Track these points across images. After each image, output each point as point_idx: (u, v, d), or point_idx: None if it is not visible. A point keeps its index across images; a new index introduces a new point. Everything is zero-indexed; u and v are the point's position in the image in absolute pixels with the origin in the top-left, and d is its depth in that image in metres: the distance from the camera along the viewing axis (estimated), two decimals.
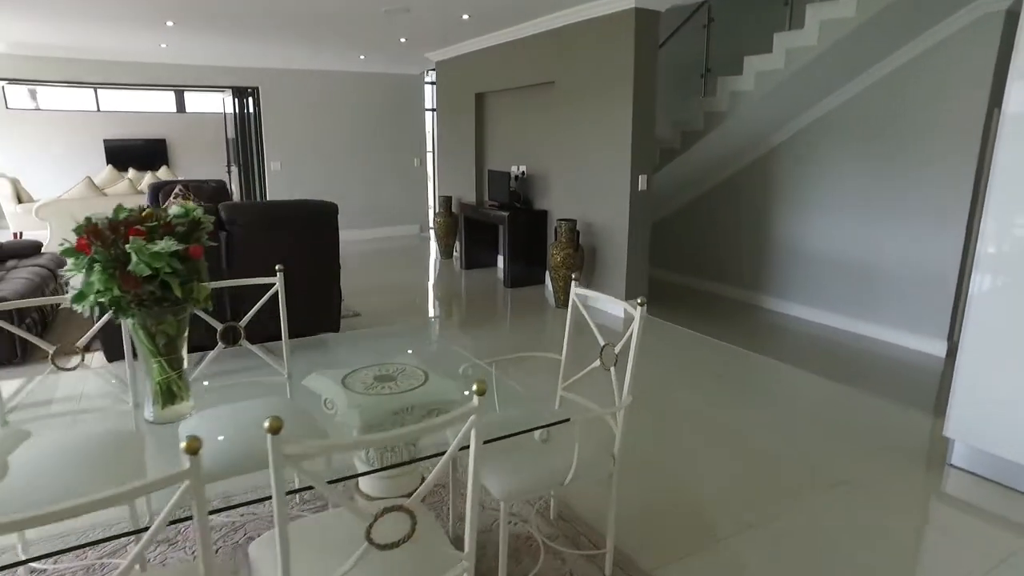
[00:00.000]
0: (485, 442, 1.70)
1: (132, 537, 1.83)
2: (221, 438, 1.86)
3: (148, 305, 1.38)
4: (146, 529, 1.28)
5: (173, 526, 2.21)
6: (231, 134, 8.60)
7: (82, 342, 2.01)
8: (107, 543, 2.10)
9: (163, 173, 9.87)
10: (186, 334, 1.55)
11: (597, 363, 2.02)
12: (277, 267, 2.28)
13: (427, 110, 9.19)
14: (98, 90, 9.83)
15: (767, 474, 2.72)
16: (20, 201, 8.52)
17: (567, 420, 1.67)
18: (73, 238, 1.39)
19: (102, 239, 1.29)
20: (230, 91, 8.17)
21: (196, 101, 10.59)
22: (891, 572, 2.11)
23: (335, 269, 4.07)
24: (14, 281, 4.08)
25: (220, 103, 9.12)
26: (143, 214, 1.45)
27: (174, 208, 1.43)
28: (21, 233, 8.37)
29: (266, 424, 1.01)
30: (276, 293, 2.28)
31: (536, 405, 2.11)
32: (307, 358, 2.64)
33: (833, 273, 4.87)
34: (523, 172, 6.29)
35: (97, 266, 1.30)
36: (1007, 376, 2.53)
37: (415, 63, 8.10)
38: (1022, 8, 2.44)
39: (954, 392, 2.72)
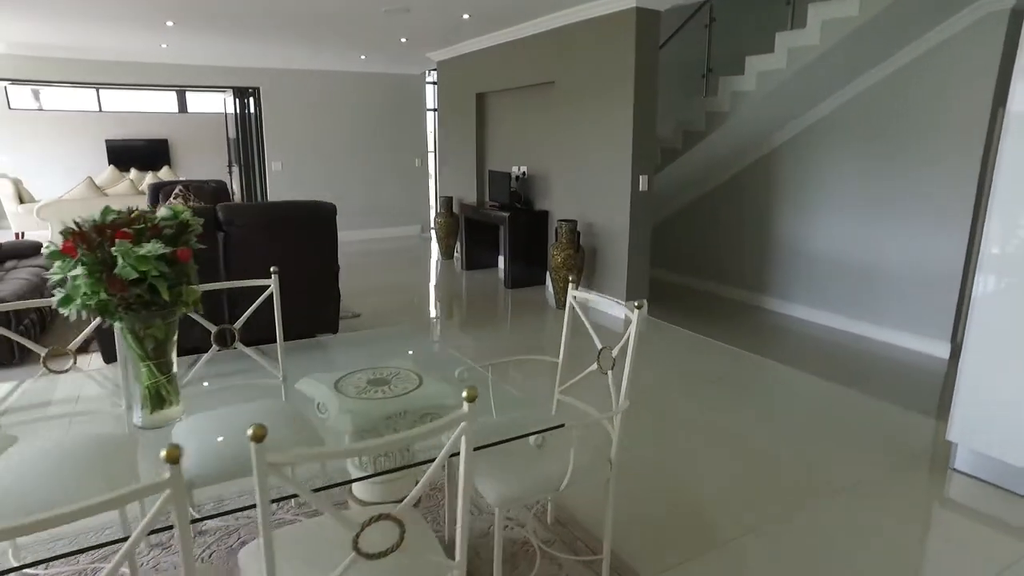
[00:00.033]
0: (479, 448, 1.68)
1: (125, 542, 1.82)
2: (221, 439, 1.84)
3: (135, 309, 1.36)
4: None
5: (169, 530, 2.19)
6: (232, 134, 8.59)
7: (74, 345, 2.00)
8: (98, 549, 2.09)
9: (165, 173, 9.88)
10: (175, 338, 1.53)
11: (594, 367, 2.00)
12: (272, 269, 2.26)
13: (428, 110, 9.17)
14: (100, 90, 9.84)
15: (768, 478, 2.69)
16: (22, 201, 8.54)
17: (562, 426, 1.64)
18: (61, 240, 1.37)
19: (88, 242, 1.27)
20: (231, 91, 8.17)
21: (198, 101, 10.60)
22: None
23: (334, 270, 4.05)
24: (12, 282, 4.07)
25: (221, 103, 9.12)
26: (132, 216, 1.43)
27: (162, 210, 1.41)
28: (23, 233, 8.38)
29: (249, 432, 0.98)
30: (279, 294, 2.26)
31: (532, 409, 2.08)
32: (303, 360, 2.62)
33: (835, 274, 4.83)
34: (524, 172, 6.27)
35: (83, 269, 1.28)
36: (1011, 379, 2.50)
37: (416, 63, 8.08)
38: None
39: (957, 395, 2.69)
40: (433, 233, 7.86)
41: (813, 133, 4.86)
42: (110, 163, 9.72)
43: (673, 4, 4.72)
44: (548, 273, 5.61)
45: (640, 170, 4.82)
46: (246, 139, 8.35)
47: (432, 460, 1.38)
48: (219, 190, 6.50)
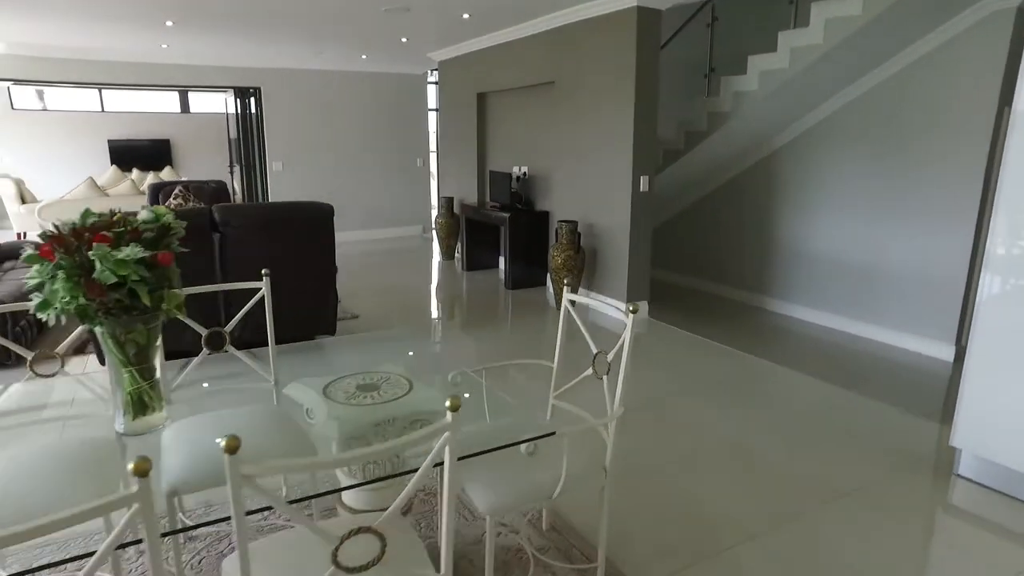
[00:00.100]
0: (467, 456, 1.65)
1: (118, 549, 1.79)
2: (219, 440, 1.81)
3: (115, 313, 1.33)
4: (135, 542, 1.24)
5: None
6: (233, 134, 8.58)
7: (62, 348, 1.97)
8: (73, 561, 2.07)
9: (167, 173, 9.88)
10: (158, 343, 1.50)
11: (590, 371, 1.96)
12: (263, 271, 2.22)
13: (430, 110, 9.14)
14: (102, 91, 9.85)
15: (769, 482, 2.65)
16: (24, 202, 8.54)
17: (552, 434, 1.60)
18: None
19: (65, 246, 1.24)
20: (232, 91, 8.15)
21: (200, 101, 10.59)
22: None
23: (331, 271, 4.02)
24: (9, 283, 4.06)
25: (223, 103, 9.11)
26: (113, 219, 1.40)
27: (143, 213, 1.38)
28: (25, 234, 8.39)
29: (221, 443, 0.95)
30: (270, 296, 2.23)
31: (525, 415, 2.05)
32: (296, 363, 2.59)
33: (838, 274, 4.78)
34: (525, 173, 6.23)
35: (61, 273, 1.25)
36: (1017, 383, 2.45)
37: (418, 63, 8.05)
38: None
39: (961, 400, 2.64)
40: (434, 234, 7.83)
41: (816, 133, 4.81)
42: (112, 163, 9.73)
43: (674, 3, 4.68)
44: (549, 274, 5.57)
45: (641, 170, 4.78)
46: (247, 139, 8.34)
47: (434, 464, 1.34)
48: (219, 190, 6.49)
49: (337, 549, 1.07)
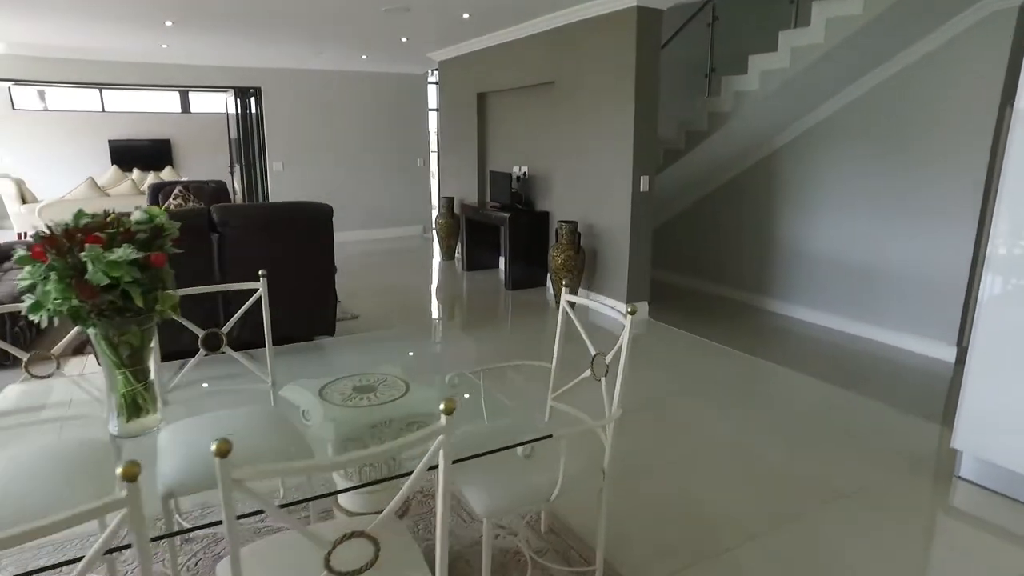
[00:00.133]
0: (464, 459, 1.64)
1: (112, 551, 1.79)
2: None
3: (109, 315, 1.32)
4: (125, 547, 1.23)
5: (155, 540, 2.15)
6: (233, 134, 8.58)
7: (57, 349, 1.96)
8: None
9: (168, 173, 9.88)
10: (152, 344, 1.49)
11: (588, 373, 1.95)
12: (260, 272, 2.22)
13: (430, 110, 9.13)
14: (103, 91, 9.85)
15: (769, 484, 2.64)
16: (24, 202, 8.54)
17: (549, 436, 1.59)
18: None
19: (57, 247, 1.24)
20: (232, 91, 8.15)
21: (201, 101, 10.59)
22: None
23: (331, 271, 4.01)
24: (8, 284, 4.05)
25: (223, 103, 9.10)
26: (106, 220, 1.39)
27: (136, 214, 1.37)
28: (25, 234, 8.39)
29: (212, 447, 0.94)
30: (267, 297, 2.22)
31: (522, 417, 2.04)
32: (294, 364, 2.58)
33: (839, 275, 4.77)
34: (525, 173, 6.22)
35: (53, 274, 1.24)
36: (1018, 385, 2.43)
37: (418, 63, 8.04)
38: None
39: (962, 402, 2.62)
40: (434, 234, 7.82)
41: (817, 133, 4.79)
42: (113, 163, 9.73)
43: (675, 2, 4.67)
44: (549, 274, 5.56)
45: (641, 170, 4.76)
46: (247, 139, 8.33)
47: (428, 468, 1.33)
48: (219, 190, 6.49)
49: (330, 554, 1.06)
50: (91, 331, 1.37)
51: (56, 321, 1.31)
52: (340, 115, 8.40)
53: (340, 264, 4.14)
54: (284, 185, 8.19)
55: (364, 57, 7.49)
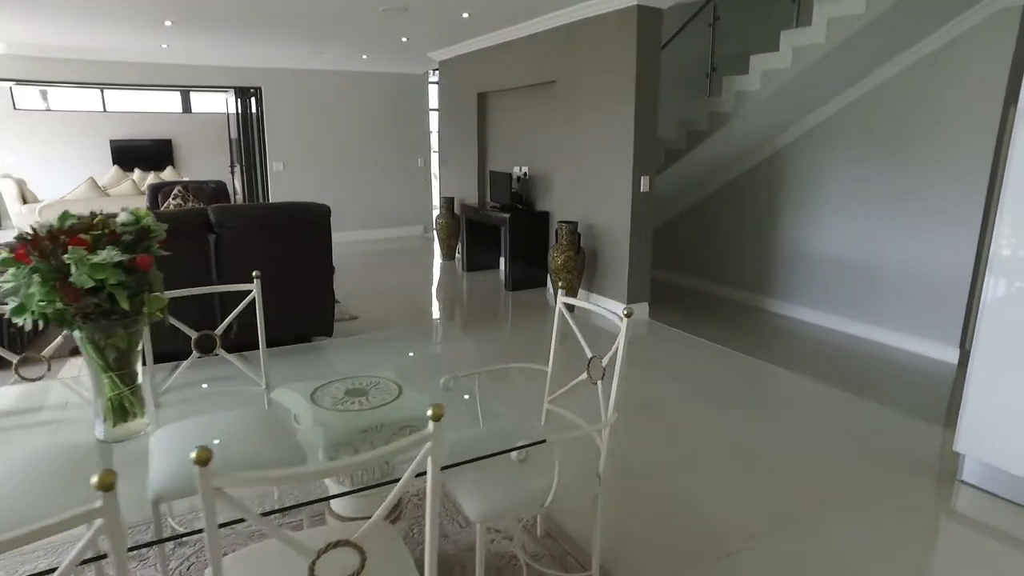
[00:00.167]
0: (455, 465, 1.62)
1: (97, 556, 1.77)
2: (217, 442, 1.78)
3: (94, 318, 1.30)
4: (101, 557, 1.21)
5: (142, 548, 2.13)
6: (234, 134, 8.57)
7: (47, 352, 1.94)
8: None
9: (169, 174, 9.88)
10: (140, 348, 1.47)
11: (584, 376, 1.93)
12: (254, 273, 2.19)
13: (431, 110, 9.11)
14: (104, 91, 9.84)
15: (769, 488, 2.61)
16: (25, 202, 8.55)
17: (543, 442, 1.57)
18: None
19: (40, 249, 1.21)
20: (232, 91, 8.13)
21: (202, 101, 10.58)
22: None
23: (328, 272, 3.99)
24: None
25: (224, 103, 9.09)
26: (93, 221, 1.37)
27: (122, 215, 1.35)
28: None
29: (192, 455, 0.92)
30: (264, 298, 2.20)
31: (517, 422, 2.01)
32: (291, 366, 2.56)
33: (840, 275, 4.73)
34: (525, 173, 6.20)
35: (37, 277, 1.22)
36: (1022, 387, 2.40)
37: (419, 63, 8.02)
38: None
39: (965, 405, 2.59)
40: (435, 234, 7.80)
41: (818, 133, 4.76)
42: (114, 163, 9.72)
43: (676, 2, 4.64)
44: (549, 275, 5.53)
45: (641, 171, 4.73)
46: (248, 139, 8.32)
47: (416, 474, 1.31)
48: (218, 191, 6.47)
49: (314, 563, 1.03)
50: (77, 334, 1.35)
51: (41, 324, 1.29)
52: (340, 115, 8.39)
53: (340, 264, 4.12)
54: (284, 185, 8.18)
55: (364, 57, 7.47)
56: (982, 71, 3.77)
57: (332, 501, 1.75)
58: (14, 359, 1.88)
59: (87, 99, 9.86)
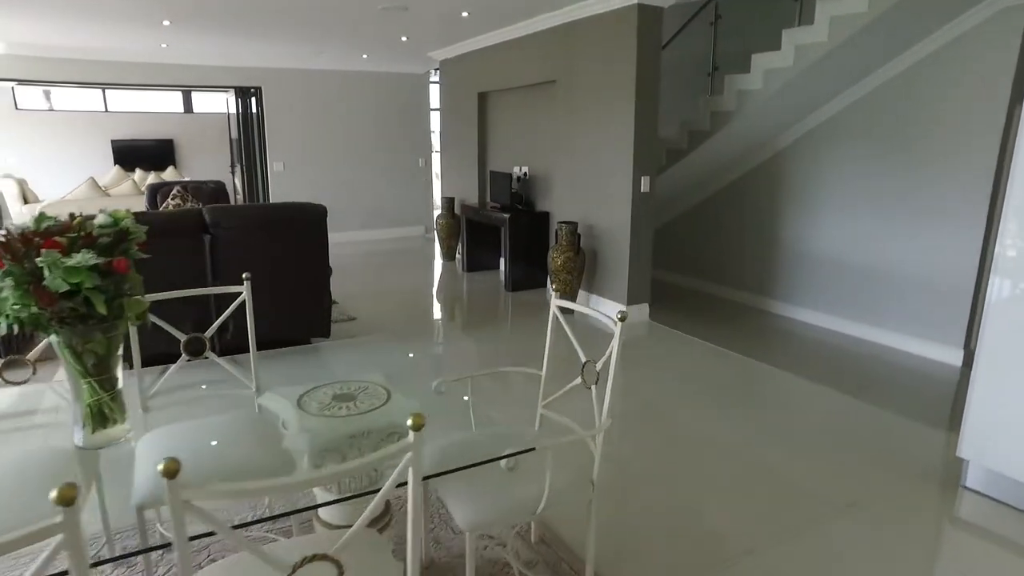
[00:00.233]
0: (447, 472, 1.58)
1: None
2: (214, 443, 1.75)
3: (70, 323, 1.27)
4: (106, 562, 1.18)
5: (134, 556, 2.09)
6: (234, 134, 8.55)
7: (32, 355, 1.91)
8: None
9: (170, 174, 9.86)
10: (120, 353, 1.43)
11: (579, 381, 1.89)
12: (244, 275, 2.16)
13: (432, 110, 9.07)
14: (106, 91, 9.84)
15: (769, 493, 2.56)
16: (26, 202, 8.55)
17: (532, 450, 1.53)
18: None
19: (12, 252, 1.18)
20: (233, 91, 8.12)
21: (203, 102, 10.57)
22: None
23: (325, 272, 3.96)
24: None
25: (225, 103, 9.07)
26: (73, 223, 1.34)
27: (100, 217, 1.31)
28: None
29: (160, 467, 0.89)
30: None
31: (509, 427, 1.98)
32: (283, 368, 2.54)
33: (843, 276, 4.68)
34: (525, 173, 6.16)
35: (10, 280, 1.19)
36: None
37: (419, 62, 7.98)
38: None
39: (968, 409, 2.54)
40: (435, 234, 7.76)
41: (820, 133, 4.71)
42: (116, 163, 9.71)
43: (676, 0, 4.59)
44: (549, 276, 5.49)
45: (642, 171, 4.69)
46: (248, 139, 8.30)
47: (403, 484, 1.28)
48: (217, 191, 6.45)
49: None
50: (54, 339, 1.32)
51: (16, 328, 1.26)
52: (341, 115, 8.36)
53: (340, 265, 4.09)
54: (285, 185, 8.15)
55: (365, 57, 7.44)
56: (986, 70, 3.72)
57: (321, 508, 1.71)
58: None
59: (89, 99, 9.86)
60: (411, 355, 2.91)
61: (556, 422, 2.06)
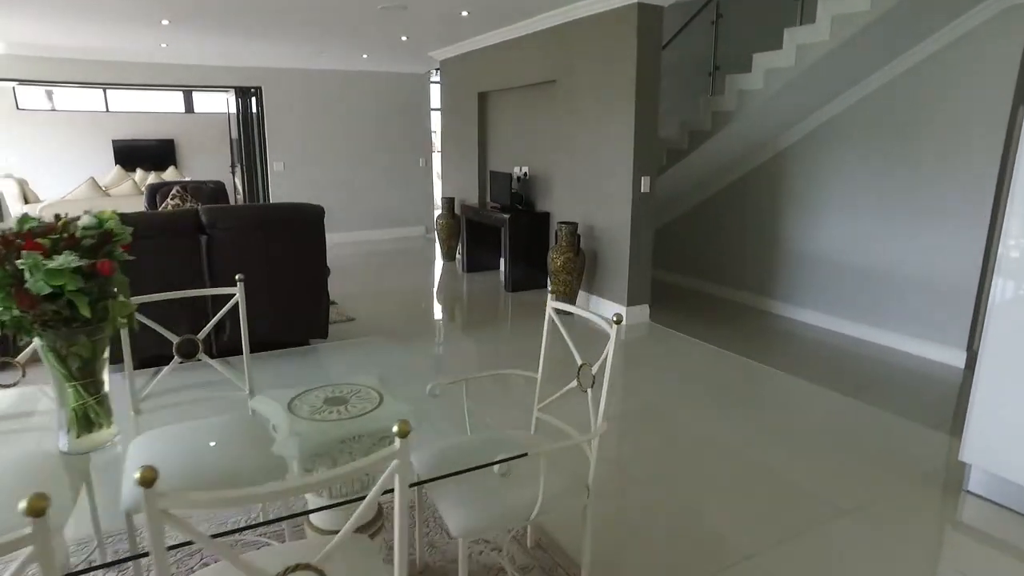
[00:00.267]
0: (439, 478, 1.56)
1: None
2: (212, 444, 1.73)
3: (54, 326, 1.25)
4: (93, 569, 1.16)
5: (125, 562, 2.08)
6: (235, 135, 8.54)
7: (22, 357, 1.89)
8: None
9: (171, 174, 9.86)
10: (105, 356, 1.41)
11: (574, 384, 1.86)
12: (237, 277, 2.14)
13: (433, 110, 9.05)
14: (107, 91, 9.84)
15: (770, 496, 2.53)
16: (27, 202, 8.54)
17: (524, 455, 1.50)
18: None
19: None
20: (233, 91, 8.10)
21: (204, 102, 10.56)
22: None
23: (323, 273, 3.94)
24: None
25: (226, 103, 9.06)
26: (57, 224, 1.32)
27: (84, 218, 1.29)
28: None
29: (136, 475, 0.86)
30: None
31: (505, 431, 1.95)
32: (277, 370, 2.51)
33: (844, 277, 4.64)
34: (525, 173, 6.13)
35: None
36: None
37: (420, 62, 7.96)
38: None
39: (971, 412, 2.51)
40: (436, 234, 7.74)
41: (822, 133, 4.67)
42: (117, 163, 9.71)
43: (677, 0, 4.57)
44: (549, 276, 5.47)
45: (642, 171, 4.66)
46: (248, 139, 8.29)
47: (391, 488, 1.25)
48: (217, 191, 6.44)
49: None
50: (37, 342, 1.30)
51: None
52: (341, 115, 8.34)
53: (340, 265, 4.07)
54: (285, 185, 8.14)
55: (365, 56, 7.42)
56: (989, 70, 3.68)
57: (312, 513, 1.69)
58: None
59: (90, 99, 9.86)
60: (410, 356, 2.88)
61: (552, 426, 2.03)
